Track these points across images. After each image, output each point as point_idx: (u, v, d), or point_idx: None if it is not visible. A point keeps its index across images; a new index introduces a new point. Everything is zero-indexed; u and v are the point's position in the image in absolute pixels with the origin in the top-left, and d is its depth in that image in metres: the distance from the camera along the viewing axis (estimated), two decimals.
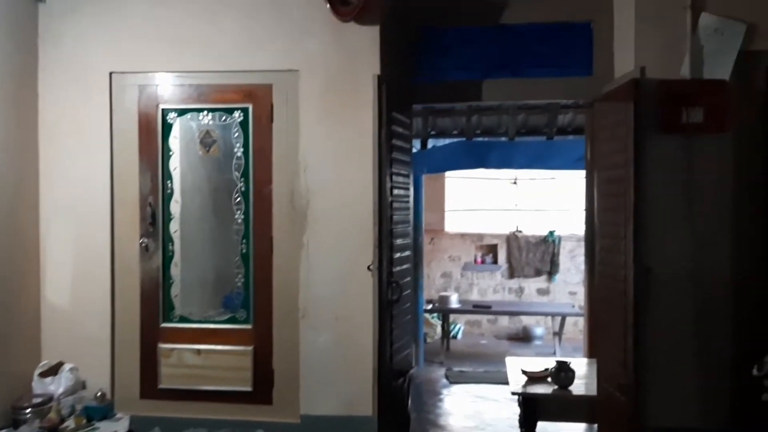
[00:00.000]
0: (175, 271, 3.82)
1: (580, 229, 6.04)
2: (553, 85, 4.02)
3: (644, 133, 3.23)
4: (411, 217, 4.16)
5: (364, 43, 3.64)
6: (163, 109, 3.79)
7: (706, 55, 3.38)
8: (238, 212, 3.78)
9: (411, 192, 4.14)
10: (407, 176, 4.01)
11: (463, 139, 6.81)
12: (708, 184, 3.39)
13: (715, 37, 3.36)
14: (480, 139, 6.87)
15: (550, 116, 6.38)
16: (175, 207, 3.81)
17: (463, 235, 8.63)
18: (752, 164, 3.42)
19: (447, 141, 7.07)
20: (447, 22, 4.08)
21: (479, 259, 8.59)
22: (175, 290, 3.82)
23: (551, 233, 8.34)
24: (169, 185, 3.80)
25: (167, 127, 3.80)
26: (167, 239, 3.82)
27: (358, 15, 3.57)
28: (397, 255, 3.70)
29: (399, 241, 3.75)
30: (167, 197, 3.81)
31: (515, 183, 8.51)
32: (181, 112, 3.79)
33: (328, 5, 3.57)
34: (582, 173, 4.30)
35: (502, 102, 4.33)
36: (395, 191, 3.68)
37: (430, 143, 7.06)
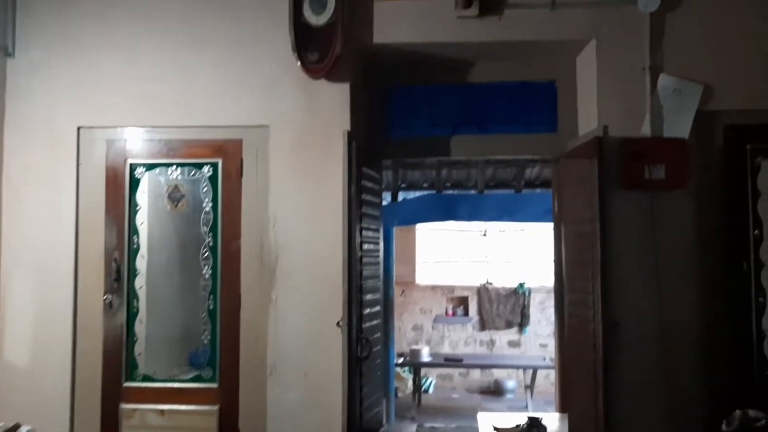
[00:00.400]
0: (139, 328, 3.73)
1: (550, 281, 6.09)
2: (519, 142, 4.10)
3: (609, 189, 3.31)
4: (381, 271, 4.15)
5: (335, 100, 3.68)
6: (131, 164, 3.76)
7: (666, 114, 3.49)
8: (206, 267, 3.73)
9: (381, 246, 4.14)
10: (377, 230, 4.01)
11: (434, 191, 6.88)
12: (671, 238, 3.47)
13: (674, 97, 3.49)
14: (450, 191, 6.96)
15: (517, 170, 6.51)
16: (141, 262, 3.75)
17: (434, 287, 8.63)
18: (712, 218, 3.53)
19: (417, 193, 7.14)
20: (416, 80, 4.16)
21: (450, 312, 8.58)
22: (138, 348, 3.73)
23: (521, 285, 8.39)
24: (136, 240, 3.75)
25: (135, 182, 3.77)
26: (132, 295, 3.74)
27: (329, 72, 3.62)
28: (367, 311, 3.68)
29: (369, 297, 3.73)
30: (133, 252, 3.74)
31: (485, 235, 8.58)
32: (150, 167, 3.77)
33: (299, 62, 3.62)
34: (550, 225, 4.36)
35: (471, 157, 4.39)
36: (365, 246, 3.68)
37: (401, 196, 7.13)
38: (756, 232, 3.49)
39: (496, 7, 3.61)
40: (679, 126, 3.48)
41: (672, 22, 3.54)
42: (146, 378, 3.71)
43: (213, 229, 3.73)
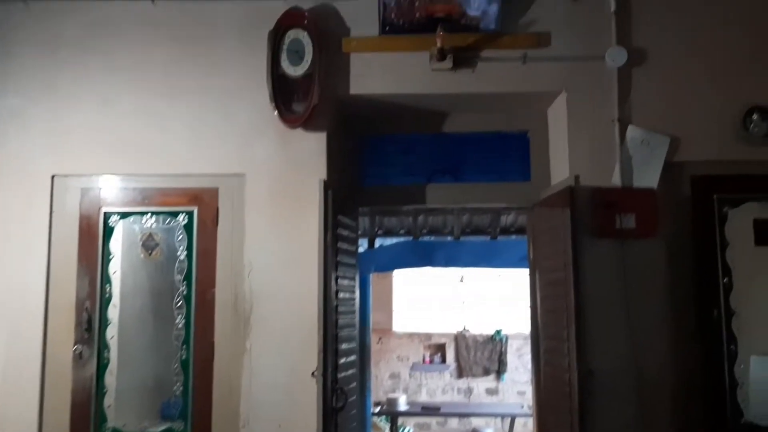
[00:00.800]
0: (109, 379, 3.65)
1: (527, 328, 6.09)
2: (493, 190, 4.16)
3: (581, 238, 3.37)
4: (357, 320, 4.13)
5: (311, 149, 3.72)
6: (105, 213, 3.73)
7: (635, 164, 3.58)
8: (179, 317, 3.69)
9: (357, 294, 4.13)
10: (353, 279, 4.01)
11: (410, 238, 6.90)
12: (643, 287, 3.51)
13: (642, 148, 3.58)
14: (426, 238, 6.98)
15: (493, 217, 6.57)
16: (113, 312, 3.69)
17: (411, 335, 8.58)
18: (683, 266, 3.59)
19: (394, 240, 7.16)
20: (392, 129, 4.22)
21: (427, 359, 8.51)
22: (108, 400, 3.64)
23: (498, 332, 8.37)
24: (108, 289, 3.70)
25: (109, 231, 3.74)
26: (103, 346, 3.66)
27: (306, 122, 3.67)
28: (343, 360, 3.64)
29: (344, 346, 3.71)
30: (105, 302, 3.69)
31: (462, 281, 8.59)
32: (124, 215, 3.75)
33: (276, 112, 3.67)
34: (526, 271, 4.39)
35: (446, 206, 4.44)
36: (341, 295, 3.67)
37: (378, 242, 7.13)
38: (725, 280, 3.55)
39: (469, 61, 3.71)
40: (648, 176, 3.56)
41: (638, 77, 3.66)
42: (115, 431, 3.62)
43: (187, 277, 3.70)
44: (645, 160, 3.57)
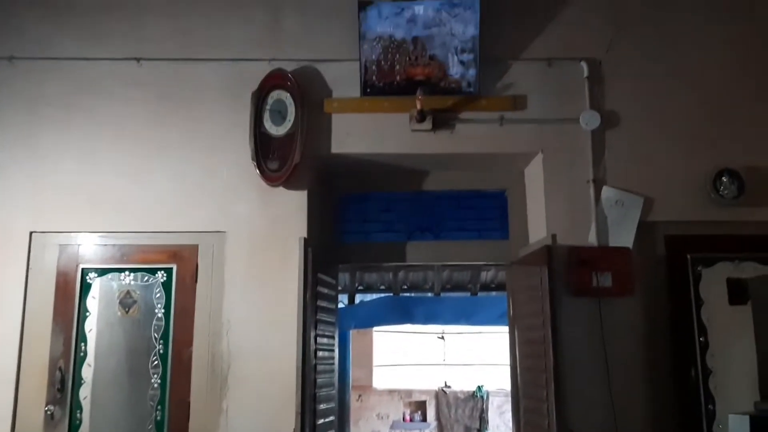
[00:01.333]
0: None
1: (508, 384, 6.05)
2: (472, 248, 4.20)
3: (559, 296, 3.39)
4: (336, 378, 4.08)
5: (292, 207, 3.75)
6: (83, 269, 3.71)
7: (610, 224, 3.65)
8: (155, 376, 3.62)
9: (336, 353, 4.09)
10: (332, 337, 3.98)
11: (390, 294, 6.90)
12: (622, 346, 3.54)
13: (617, 208, 3.66)
14: (407, 294, 6.98)
15: (473, 273, 6.60)
16: (87, 371, 3.62)
17: (391, 392, 8.47)
18: (660, 325, 3.62)
19: (374, 296, 7.15)
20: (372, 187, 4.27)
21: (408, 417, 8.39)
22: None
23: (479, 388, 8.30)
24: (83, 348, 3.63)
25: (86, 287, 3.70)
26: (76, 406, 3.58)
27: (287, 180, 3.71)
28: (321, 421, 3.59)
29: (323, 406, 3.65)
30: (80, 360, 3.62)
31: (442, 338, 8.55)
32: (102, 272, 3.72)
33: (258, 171, 3.71)
34: (506, 328, 4.39)
35: (426, 263, 4.47)
36: (320, 353, 3.64)
37: (358, 298, 7.11)
38: (701, 338, 3.58)
39: (448, 122, 3.81)
40: (624, 235, 3.63)
41: (612, 139, 3.78)
42: None
43: (164, 336, 3.65)
44: (620, 219, 3.65)
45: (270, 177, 3.72)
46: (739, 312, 3.63)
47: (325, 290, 3.83)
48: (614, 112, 3.80)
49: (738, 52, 3.87)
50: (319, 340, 3.62)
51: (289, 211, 3.74)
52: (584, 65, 3.82)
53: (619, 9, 3.91)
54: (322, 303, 3.72)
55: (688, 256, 3.67)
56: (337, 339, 4.13)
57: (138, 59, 3.89)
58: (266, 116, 3.78)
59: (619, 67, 3.86)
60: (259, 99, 3.78)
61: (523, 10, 3.93)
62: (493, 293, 6.85)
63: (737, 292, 3.64)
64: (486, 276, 6.70)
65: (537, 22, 3.91)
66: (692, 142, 3.78)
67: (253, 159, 3.72)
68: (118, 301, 3.70)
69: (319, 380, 3.59)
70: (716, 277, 3.66)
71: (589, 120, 3.73)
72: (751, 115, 3.80)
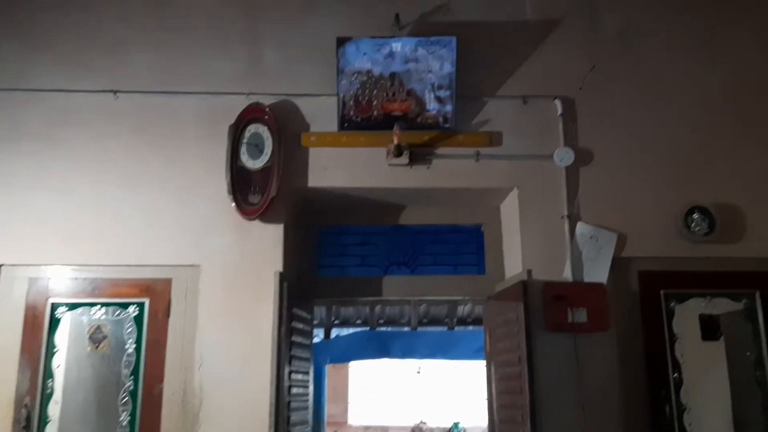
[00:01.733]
0: None
1: (485, 421, 6.01)
2: (449, 283, 4.20)
3: (535, 332, 3.39)
4: (310, 415, 4.01)
5: (268, 241, 3.73)
6: (52, 303, 3.63)
7: (585, 259, 3.68)
8: (124, 413, 3.53)
9: (311, 389, 4.03)
10: (307, 373, 3.93)
11: (367, 328, 6.85)
12: (597, 382, 3.54)
13: (591, 244, 3.69)
14: (383, 328, 6.94)
15: (450, 307, 6.59)
16: (54, 408, 3.51)
17: (366, 428, 8.35)
18: (635, 361, 3.63)
19: (351, 330, 7.09)
20: (348, 221, 4.26)
21: None
22: None
23: (456, 425, 8.22)
24: (50, 384, 3.54)
25: (55, 322, 3.62)
26: None
27: (263, 214, 3.69)
28: None
29: None
30: (46, 398, 3.52)
31: (419, 372, 8.49)
32: (72, 306, 3.64)
33: (234, 204, 3.69)
34: (483, 363, 4.37)
35: (402, 297, 4.46)
36: (294, 390, 3.58)
37: (334, 332, 7.05)
38: (675, 375, 3.60)
39: (424, 157, 3.84)
40: (598, 271, 3.66)
41: (585, 176, 3.83)
42: None
43: (135, 372, 3.57)
44: (594, 255, 3.68)
45: (246, 210, 3.70)
46: (712, 348, 3.66)
47: (301, 325, 3.79)
48: (588, 150, 3.86)
49: (708, 93, 3.97)
50: (293, 376, 3.57)
51: (265, 244, 3.72)
52: (558, 103, 3.89)
53: (592, 49, 4.00)
54: (297, 338, 3.68)
55: (662, 292, 3.70)
56: (312, 375, 4.07)
57: (115, 92, 3.88)
58: (243, 150, 3.78)
59: (592, 106, 3.93)
60: (236, 132, 3.79)
61: (498, 49, 4.00)
62: (470, 327, 6.84)
63: (709, 328, 3.67)
64: (463, 310, 6.70)
65: (512, 60, 3.98)
66: (664, 179, 3.84)
67: (229, 192, 3.70)
68: (88, 336, 3.62)
69: (292, 417, 3.53)
70: (689, 312, 3.70)
71: (564, 157, 3.78)
72: (721, 154, 3.89)
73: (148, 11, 4.04)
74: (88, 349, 3.61)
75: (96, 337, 3.62)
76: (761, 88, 3.99)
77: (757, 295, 3.71)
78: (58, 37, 3.98)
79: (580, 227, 3.73)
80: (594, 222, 3.75)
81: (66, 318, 3.64)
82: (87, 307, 3.65)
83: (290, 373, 3.51)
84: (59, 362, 3.58)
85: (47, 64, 3.93)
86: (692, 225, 3.71)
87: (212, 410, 3.50)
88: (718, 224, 3.70)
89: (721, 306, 3.71)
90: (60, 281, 3.67)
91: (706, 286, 3.72)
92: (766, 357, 3.63)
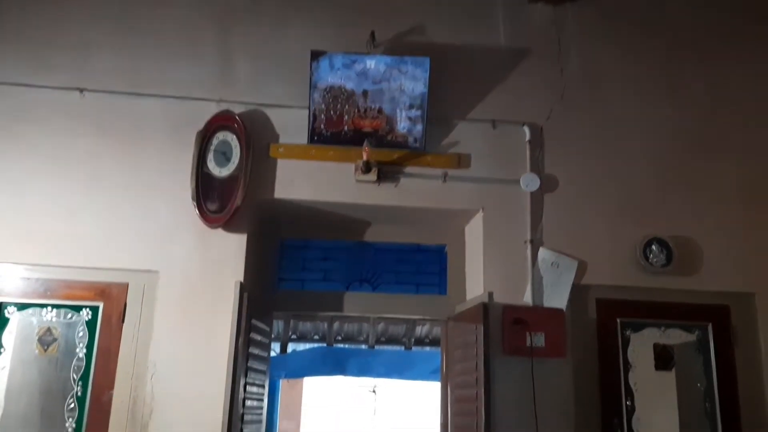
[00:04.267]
0: None
1: None
2: (410, 302, 4.19)
3: (494, 354, 3.40)
4: (263, 429, 3.94)
5: (230, 250, 3.67)
6: (1, 303, 3.50)
7: (546, 285, 3.72)
8: (70, 420, 3.42)
9: (265, 403, 3.97)
10: (262, 386, 3.87)
11: (324, 344, 6.80)
12: (552, 407, 3.55)
13: (552, 270, 3.74)
14: (341, 345, 6.89)
15: (408, 327, 6.60)
16: None
17: None
18: (590, 387, 3.67)
19: (308, 345, 7.02)
20: (312, 235, 4.23)
21: None
22: None
23: None
24: None
25: (3, 322, 3.49)
26: None
27: (227, 222, 3.65)
28: None
29: None
30: None
31: (374, 391, 8.45)
32: (22, 307, 3.53)
33: (197, 211, 3.63)
34: (438, 384, 4.37)
35: (363, 314, 4.43)
36: (248, 403, 3.52)
37: (291, 347, 6.98)
38: (628, 402, 3.65)
39: (392, 175, 3.85)
40: (558, 297, 3.70)
41: (549, 202, 3.88)
42: None
43: (84, 377, 3.46)
44: (555, 281, 3.72)
45: (210, 218, 3.65)
46: (664, 378, 3.73)
47: (259, 337, 3.74)
48: (553, 176, 3.93)
49: (668, 128, 4.08)
50: (248, 388, 3.51)
51: (227, 254, 3.66)
52: (527, 129, 3.95)
53: (560, 81, 4.09)
54: (254, 350, 3.62)
55: (618, 320, 3.76)
56: (267, 389, 4.01)
57: (81, 90, 3.80)
58: (210, 157, 3.73)
59: (558, 135, 4.00)
60: (204, 139, 3.74)
61: (471, 72, 4.05)
62: (428, 348, 6.85)
63: (663, 358, 3.74)
64: (421, 330, 6.71)
65: (484, 85, 4.04)
66: (624, 209, 3.92)
67: (193, 199, 3.65)
68: (36, 338, 3.50)
69: (245, 431, 3.46)
70: (644, 341, 3.76)
71: (529, 182, 3.84)
72: (681, 188, 3.99)
73: (117, 13, 3.98)
74: (36, 351, 3.49)
75: (45, 339, 3.51)
76: (719, 127, 4.12)
77: (710, 327, 3.80)
78: (24, 31, 3.89)
79: (542, 253, 3.78)
80: (556, 248, 3.80)
81: (14, 318, 3.52)
82: (37, 308, 3.54)
83: (245, 385, 3.45)
84: (4, 364, 3.45)
85: (10, 57, 3.84)
86: (650, 256, 3.79)
87: (163, 420, 3.41)
88: (676, 257, 3.79)
89: (675, 337, 3.79)
90: (10, 280, 3.55)
91: (662, 317, 3.79)
92: (716, 389, 3.71)
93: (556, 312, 3.67)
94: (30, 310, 3.54)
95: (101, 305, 3.56)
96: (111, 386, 3.46)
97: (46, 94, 3.79)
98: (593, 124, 4.05)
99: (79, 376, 3.47)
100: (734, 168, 4.06)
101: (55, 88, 3.79)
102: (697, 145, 4.08)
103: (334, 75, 3.80)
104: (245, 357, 3.45)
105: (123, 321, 3.55)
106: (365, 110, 3.85)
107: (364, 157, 3.74)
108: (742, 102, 4.18)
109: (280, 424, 6.68)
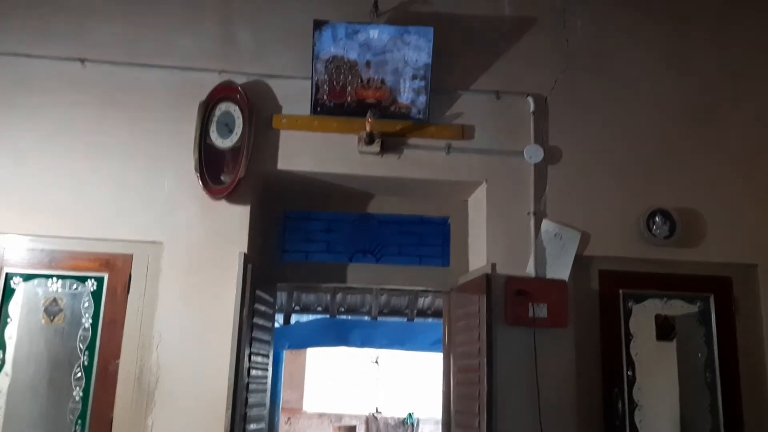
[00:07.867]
0: None
1: (439, 412, 6.05)
2: (413, 273, 4.21)
3: (496, 325, 3.43)
4: (267, 398, 3.99)
5: (233, 221, 3.68)
6: (7, 273, 3.53)
7: (549, 256, 3.73)
8: (77, 389, 3.46)
9: (270, 372, 4.01)
10: (267, 356, 3.91)
11: (327, 315, 6.85)
12: (554, 375, 3.59)
13: (555, 242, 3.74)
14: (343, 316, 6.94)
15: (411, 298, 6.63)
16: (3, 380, 3.42)
17: (321, 415, 8.36)
18: (592, 358, 3.70)
19: (311, 317, 7.08)
20: (316, 206, 4.23)
21: None
22: None
23: (410, 415, 8.27)
24: (1, 356, 3.44)
25: (9, 293, 3.52)
26: None
27: (230, 194, 3.65)
28: None
29: (252, 426, 3.57)
30: None
31: (376, 362, 8.52)
32: (28, 278, 3.55)
33: (201, 182, 3.63)
34: (440, 355, 4.41)
35: (366, 285, 4.45)
36: (253, 372, 3.56)
37: (294, 318, 7.03)
38: (629, 372, 3.69)
39: (396, 147, 3.83)
40: (560, 268, 3.71)
41: (553, 174, 3.87)
42: None
43: (90, 347, 3.50)
44: (558, 253, 3.73)
45: (213, 190, 3.65)
46: (665, 348, 3.76)
47: (263, 308, 3.77)
48: (557, 148, 3.91)
49: (674, 99, 4.06)
50: (253, 358, 3.55)
51: (231, 225, 3.67)
52: (531, 100, 3.92)
53: (565, 51, 4.05)
54: (258, 321, 3.65)
55: (620, 292, 3.78)
56: (271, 359, 4.05)
57: (83, 60, 3.78)
58: (213, 128, 3.72)
59: (563, 105, 3.97)
60: (206, 110, 3.73)
61: (474, 43, 4.02)
62: (430, 319, 6.90)
63: (664, 329, 3.77)
64: (423, 302, 6.75)
65: (487, 56, 4.00)
66: (628, 181, 3.91)
67: (196, 170, 3.64)
68: (42, 308, 3.53)
69: (250, 399, 3.50)
70: (646, 312, 3.79)
71: (533, 154, 3.82)
72: (685, 159, 3.97)
73: None
74: (43, 321, 3.52)
75: (51, 309, 3.54)
76: (724, 98, 4.09)
77: (712, 298, 3.82)
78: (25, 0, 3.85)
79: (546, 224, 3.78)
80: (559, 220, 3.80)
81: (20, 289, 3.54)
82: (43, 279, 3.56)
83: (250, 354, 3.49)
84: (11, 333, 3.48)
85: (11, 27, 3.81)
86: (653, 228, 3.79)
87: (168, 389, 3.46)
88: (679, 228, 3.79)
89: (677, 308, 3.81)
90: (16, 251, 3.57)
91: (664, 288, 3.81)
92: (717, 360, 3.74)
93: (558, 283, 3.69)
94: (35, 281, 3.56)
95: (106, 276, 3.59)
96: (117, 356, 3.50)
97: (47, 65, 3.77)
98: (598, 95, 4.02)
99: (85, 346, 3.51)
100: (739, 140, 4.04)
101: (56, 59, 3.77)
102: (701, 117, 4.05)
103: (337, 45, 3.77)
104: (250, 327, 3.48)
105: (128, 292, 3.57)
106: (368, 81, 3.82)
107: (368, 129, 3.72)
108: (748, 73, 4.14)
109: (284, 393, 6.76)
